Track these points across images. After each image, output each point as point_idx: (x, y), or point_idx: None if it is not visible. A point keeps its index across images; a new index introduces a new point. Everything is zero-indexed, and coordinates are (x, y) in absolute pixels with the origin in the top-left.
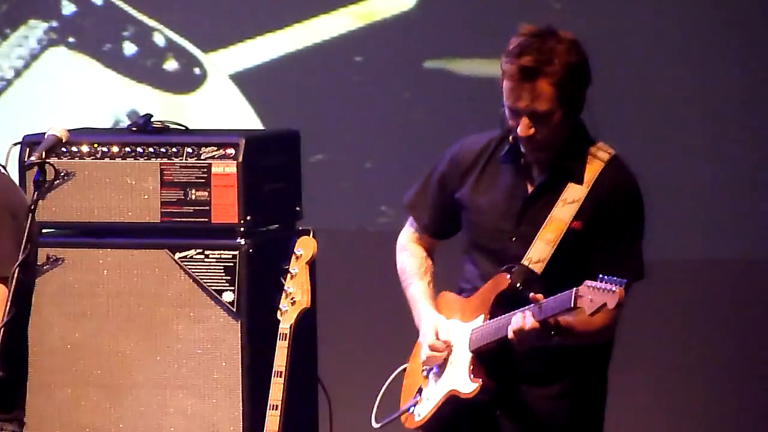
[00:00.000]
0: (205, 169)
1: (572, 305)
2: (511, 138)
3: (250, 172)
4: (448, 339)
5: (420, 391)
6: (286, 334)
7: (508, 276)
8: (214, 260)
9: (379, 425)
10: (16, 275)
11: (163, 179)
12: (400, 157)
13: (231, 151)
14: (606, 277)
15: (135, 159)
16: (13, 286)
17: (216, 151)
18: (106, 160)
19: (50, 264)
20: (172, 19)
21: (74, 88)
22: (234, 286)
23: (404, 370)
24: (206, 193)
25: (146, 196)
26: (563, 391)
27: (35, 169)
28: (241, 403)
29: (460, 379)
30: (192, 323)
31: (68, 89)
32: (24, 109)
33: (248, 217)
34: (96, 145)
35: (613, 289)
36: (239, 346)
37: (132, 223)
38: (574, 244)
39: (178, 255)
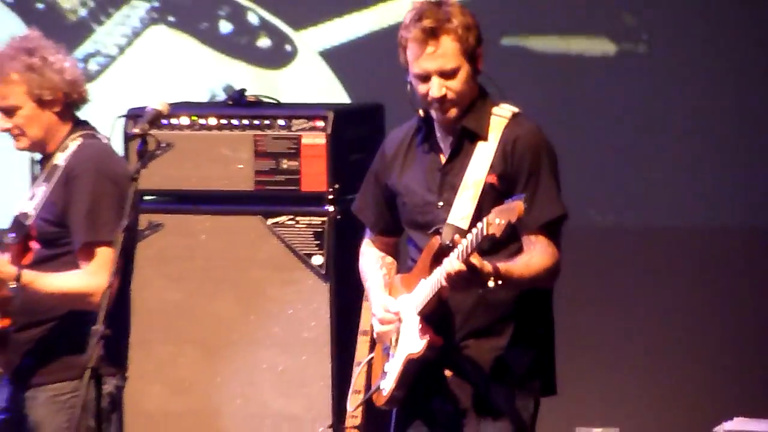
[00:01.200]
0: (296, 141)
1: (486, 232)
2: (421, 112)
3: (338, 143)
4: (397, 311)
5: (383, 368)
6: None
7: (438, 237)
8: (304, 226)
9: (352, 409)
10: (120, 240)
11: (257, 150)
12: None
13: (320, 123)
14: (508, 198)
15: (230, 131)
16: (117, 250)
17: (306, 123)
18: (203, 131)
19: (150, 229)
20: None
21: (173, 64)
22: (323, 250)
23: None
24: (296, 163)
25: (241, 166)
26: (510, 342)
27: (138, 140)
28: (329, 360)
29: (412, 342)
30: (283, 285)
31: (167, 65)
32: (126, 83)
33: (336, 186)
34: (194, 118)
35: (513, 206)
36: (328, 307)
37: (227, 191)
38: (494, 196)
39: (270, 221)
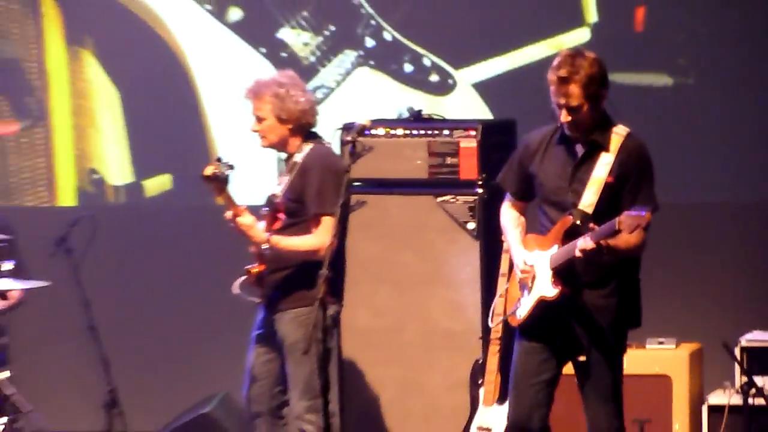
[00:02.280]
0: (456, 145)
1: (617, 228)
2: (560, 125)
3: (485, 146)
4: (532, 264)
5: (519, 300)
6: (507, 249)
7: (571, 217)
8: (462, 202)
9: (494, 326)
10: (338, 212)
11: (429, 151)
12: None
13: (473, 132)
14: (636, 206)
15: (411, 138)
16: (336, 219)
17: (463, 132)
18: (393, 139)
19: (357, 205)
20: (432, 46)
21: (373, 93)
22: (475, 219)
23: (506, 290)
24: (456, 160)
25: (419, 162)
26: (611, 292)
27: (350, 144)
28: (479, 293)
29: (545, 288)
30: (447, 243)
31: (369, 94)
32: (342, 107)
33: (483, 175)
34: (387, 129)
35: (642, 213)
36: (478, 258)
37: (409, 179)
38: (610, 192)
39: (438, 199)
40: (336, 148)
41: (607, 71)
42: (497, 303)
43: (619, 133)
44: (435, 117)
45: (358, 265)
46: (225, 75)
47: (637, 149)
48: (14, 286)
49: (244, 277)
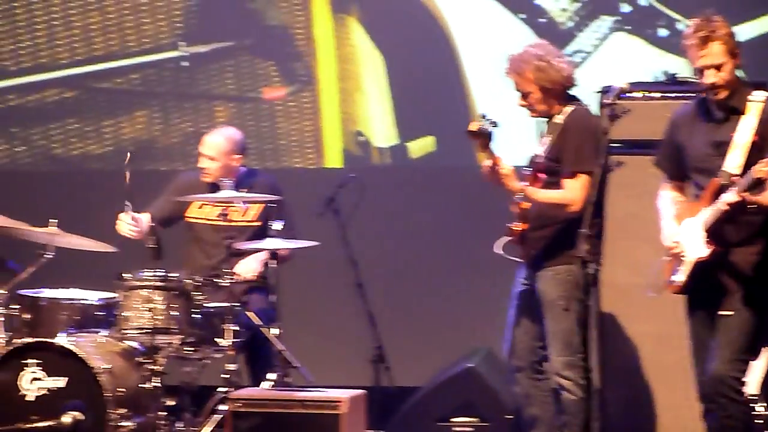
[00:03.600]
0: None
1: (754, 176)
2: (703, 93)
3: None
4: (678, 240)
5: (675, 268)
6: None
7: (718, 179)
8: None
9: (653, 294)
10: (595, 171)
11: None
12: None
13: None
14: None
15: (668, 100)
16: (594, 178)
17: None
18: (650, 101)
19: (615, 165)
20: (686, 10)
21: (629, 58)
22: None
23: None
24: None
25: None
26: (760, 250)
27: (608, 107)
28: None
29: (699, 250)
30: None
31: (627, 58)
32: (598, 70)
33: None
34: (644, 92)
35: None
36: None
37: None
38: (756, 150)
39: None
40: (594, 110)
41: None
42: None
43: (757, 99)
44: (691, 80)
45: (616, 223)
46: (485, 41)
47: None
48: (285, 245)
49: (506, 237)
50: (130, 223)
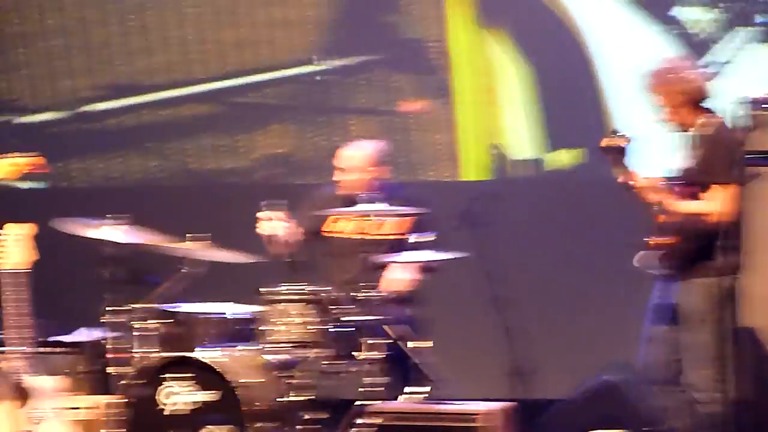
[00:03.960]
0: None
1: None
2: None
3: None
4: None
5: None
6: None
7: None
8: None
9: None
10: (734, 183)
11: None
12: None
13: None
14: None
15: None
16: (732, 190)
17: None
18: None
19: (753, 176)
20: None
21: (765, 69)
22: None
23: None
24: None
25: None
26: None
27: (745, 117)
28: None
29: None
30: None
31: (761, 70)
32: (734, 81)
33: None
34: None
35: None
36: None
37: None
38: None
39: None
40: (730, 122)
41: None
42: None
43: None
44: None
45: (754, 235)
46: (623, 53)
47: None
48: (436, 257)
49: (645, 250)
50: (272, 219)
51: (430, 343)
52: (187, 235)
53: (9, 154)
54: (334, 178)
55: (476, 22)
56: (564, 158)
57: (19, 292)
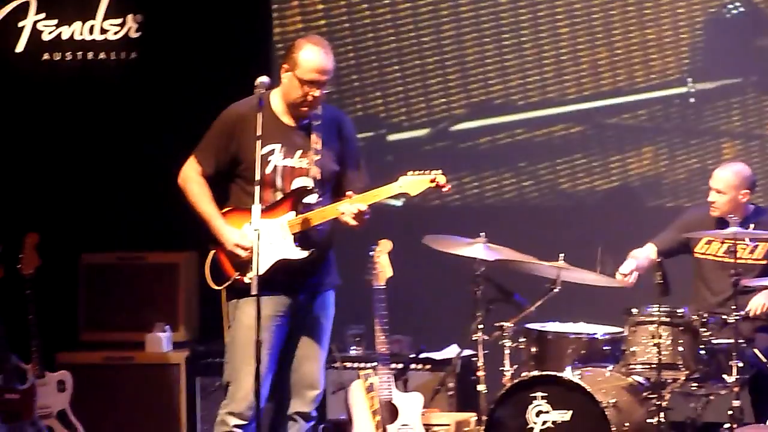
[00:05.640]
0: None
1: None
2: None
3: None
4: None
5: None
6: None
7: None
8: None
9: None
10: None
11: None
12: None
13: None
14: None
15: None
16: None
17: None
18: None
19: None
20: None
21: None
22: None
23: None
24: None
25: None
26: None
27: None
28: None
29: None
30: None
31: None
32: None
33: None
34: None
35: None
36: None
37: None
38: None
39: None
40: None
41: None
42: None
43: None
44: None
45: None
46: None
47: None
48: None
49: None
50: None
51: None
52: (560, 255)
53: (423, 171)
54: (708, 199)
55: None
56: None
57: (384, 308)
